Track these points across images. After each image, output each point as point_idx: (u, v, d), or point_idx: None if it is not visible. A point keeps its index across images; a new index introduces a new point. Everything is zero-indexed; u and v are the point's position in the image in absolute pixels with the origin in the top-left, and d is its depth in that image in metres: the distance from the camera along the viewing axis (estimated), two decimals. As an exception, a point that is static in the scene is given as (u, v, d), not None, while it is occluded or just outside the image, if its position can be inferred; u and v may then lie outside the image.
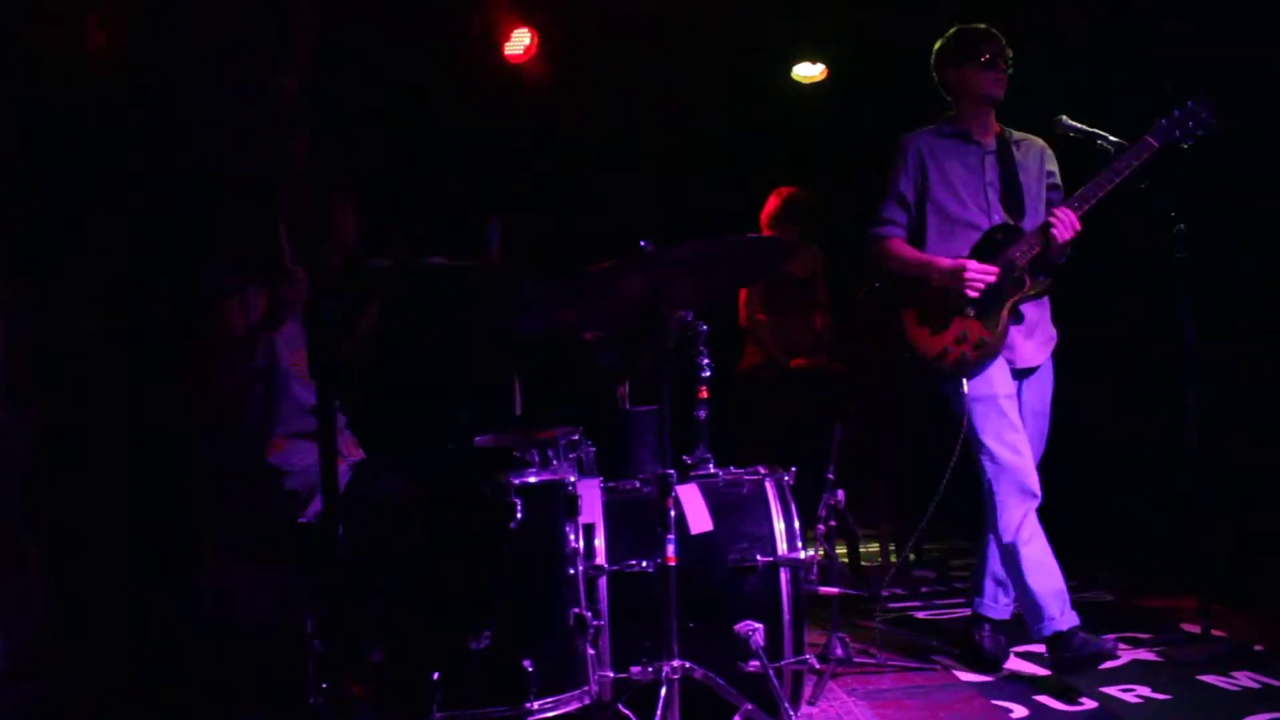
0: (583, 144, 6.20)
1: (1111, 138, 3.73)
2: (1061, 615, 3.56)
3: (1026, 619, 3.64)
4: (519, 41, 5.82)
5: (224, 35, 3.63)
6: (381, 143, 5.31)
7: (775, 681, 3.02)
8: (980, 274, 3.73)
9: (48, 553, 3.31)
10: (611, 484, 3.30)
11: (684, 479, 3.26)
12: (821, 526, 3.75)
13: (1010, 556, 3.66)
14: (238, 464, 3.34)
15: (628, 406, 3.61)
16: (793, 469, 3.34)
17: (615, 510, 3.18)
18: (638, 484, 3.31)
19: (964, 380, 3.74)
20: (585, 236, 5.70)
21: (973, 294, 3.73)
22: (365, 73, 5.22)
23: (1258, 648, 3.85)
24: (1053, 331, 3.94)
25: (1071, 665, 3.54)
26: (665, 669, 2.88)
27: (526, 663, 2.78)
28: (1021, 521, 3.65)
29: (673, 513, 2.94)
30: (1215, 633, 3.99)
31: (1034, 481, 3.71)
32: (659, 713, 2.85)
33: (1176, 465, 4.10)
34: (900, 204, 3.96)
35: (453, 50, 5.74)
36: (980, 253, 3.80)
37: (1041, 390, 3.92)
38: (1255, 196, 4.54)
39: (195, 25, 3.60)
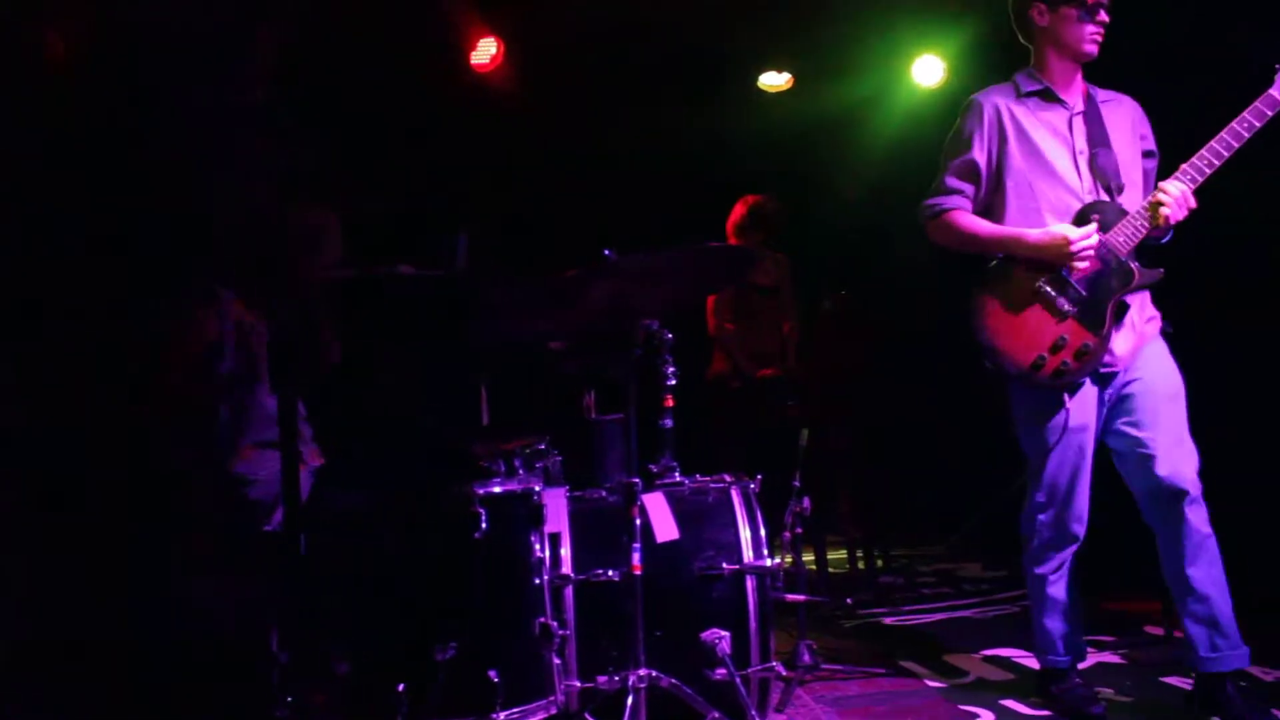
0: (549, 153, 6.20)
1: None
2: (1065, 655, 3.45)
3: (1033, 639, 3.53)
4: (485, 51, 5.83)
5: (189, 42, 3.62)
6: (347, 151, 5.30)
7: (742, 689, 3.02)
8: (1086, 240, 3.20)
9: (11, 561, 3.28)
10: (578, 493, 3.30)
11: (650, 487, 3.26)
12: (788, 534, 3.76)
13: (1033, 585, 3.46)
14: (204, 472, 3.32)
15: (593, 416, 3.61)
16: (758, 476, 3.34)
17: (581, 519, 3.18)
18: (604, 493, 3.31)
19: (1066, 396, 3.25)
20: (552, 245, 5.71)
21: (1083, 264, 3.21)
22: (331, 82, 5.21)
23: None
24: (1153, 311, 3.39)
25: (1056, 700, 3.43)
26: (632, 678, 2.89)
27: (492, 673, 2.77)
28: (1057, 561, 3.42)
29: (638, 521, 2.95)
30: (1178, 635, 4.02)
31: (1082, 526, 3.39)
32: (625, 721, 2.86)
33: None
34: (968, 172, 3.42)
35: (419, 60, 5.73)
36: None
37: (1158, 376, 3.32)
38: (1248, 192, 4.46)
39: (160, 33, 3.58)
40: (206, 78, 3.54)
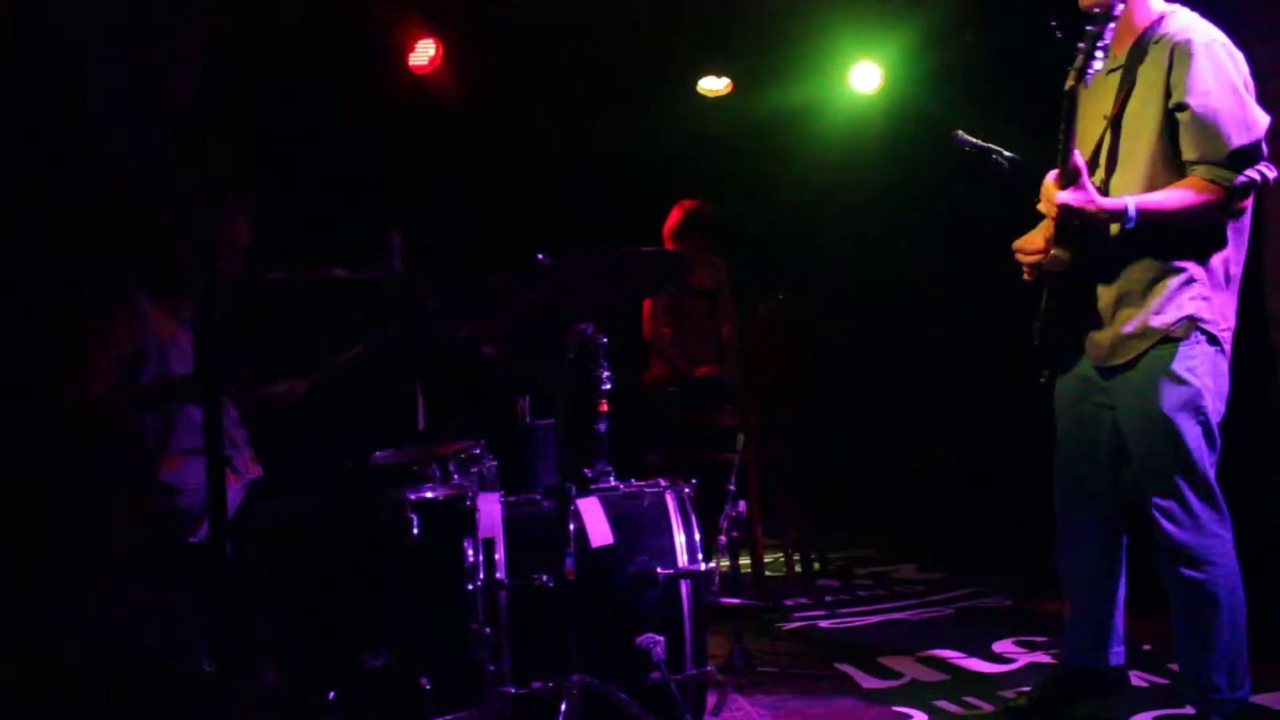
0: (486, 155, 6.18)
1: (1006, 153, 3.25)
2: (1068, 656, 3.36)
3: None
4: (424, 52, 5.79)
5: (116, 36, 3.55)
6: (281, 153, 5.24)
7: (677, 694, 3.02)
8: (1018, 254, 3.12)
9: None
10: (512, 498, 3.28)
11: (584, 492, 3.25)
12: (723, 538, 3.77)
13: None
14: (127, 481, 3.26)
15: (528, 420, 3.59)
16: (693, 481, 3.34)
17: (515, 524, 3.16)
18: (538, 498, 3.29)
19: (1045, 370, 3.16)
20: (487, 249, 5.67)
21: (1026, 278, 3.13)
22: (264, 80, 5.14)
23: (1146, 647, 3.94)
24: (1162, 318, 2.84)
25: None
26: (566, 683, 2.87)
27: (424, 680, 2.75)
28: (1063, 551, 3.26)
29: (573, 526, 2.94)
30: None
31: (1069, 513, 3.20)
32: (559, 727, 2.84)
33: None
34: None
35: (356, 60, 5.68)
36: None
37: (1140, 395, 2.88)
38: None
39: (86, 29, 3.52)
40: (131, 73, 3.48)
